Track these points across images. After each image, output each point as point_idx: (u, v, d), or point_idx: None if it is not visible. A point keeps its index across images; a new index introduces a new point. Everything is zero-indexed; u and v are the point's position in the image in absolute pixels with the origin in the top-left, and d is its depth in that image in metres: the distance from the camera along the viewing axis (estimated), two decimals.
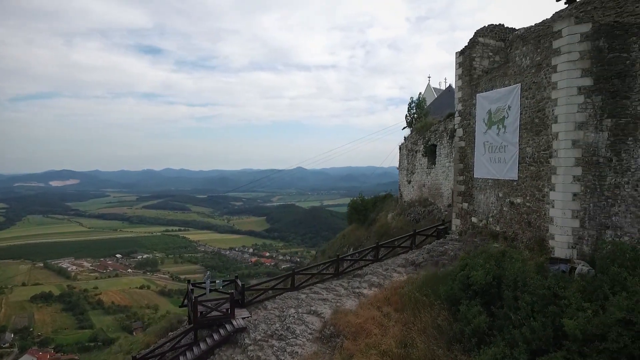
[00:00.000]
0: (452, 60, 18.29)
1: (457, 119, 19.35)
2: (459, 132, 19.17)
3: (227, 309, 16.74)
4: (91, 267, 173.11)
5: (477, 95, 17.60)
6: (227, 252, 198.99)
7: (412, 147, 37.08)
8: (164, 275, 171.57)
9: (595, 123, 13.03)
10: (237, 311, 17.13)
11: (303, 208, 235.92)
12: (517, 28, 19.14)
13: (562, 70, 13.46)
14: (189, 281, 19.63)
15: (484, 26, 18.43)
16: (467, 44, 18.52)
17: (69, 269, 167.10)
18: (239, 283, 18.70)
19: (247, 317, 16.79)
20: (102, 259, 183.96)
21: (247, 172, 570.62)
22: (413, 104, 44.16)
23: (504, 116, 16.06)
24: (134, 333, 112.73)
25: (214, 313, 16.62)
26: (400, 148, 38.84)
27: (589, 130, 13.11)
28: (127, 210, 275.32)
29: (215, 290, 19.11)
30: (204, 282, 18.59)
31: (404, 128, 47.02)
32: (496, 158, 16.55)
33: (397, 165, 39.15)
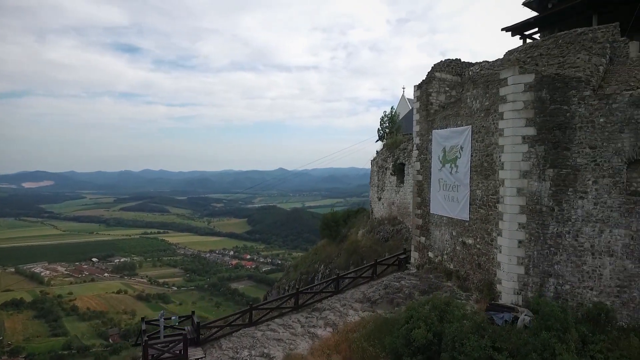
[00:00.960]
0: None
1: (415, 152, 19.48)
2: (417, 165, 19.29)
3: (180, 350, 16.40)
4: (66, 272, 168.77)
5: (433, 131, 17.73)
6: (207, 255, 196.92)
7: (382, 164, 37.25)
8: (142, 280, 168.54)
9: (538, 172, 13.25)
10: (191, 351, 16.81)
11: (285, 209, 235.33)
12: (473, 63, 19.35)
13: (508, 118, 13.65)
14: (143, 319, 19.19)
15: (441, 61, 18.55)
16: (424, 79, 18.63)
17: (42, 274, 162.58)
18: (195, 320, 18.36)
19: (201, 358, 16.50)
20: (77, 263, 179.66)
21: (229, 173, 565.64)
22: (386, 118, 44.45)
23: (456, 156, 16.21)
24: (110, 340, 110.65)
25: (166, 355, 16.27)
26: (372, 164, 38.98)
27: (532, 179, 13.32)
28: (104, 213, 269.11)
29: (172, 327, 18.71)
30: (159, 320, 18.17)
31: (376, 141, 47.29)
32: (450, 196, 16.70)
33: (369, 181, 39.32)
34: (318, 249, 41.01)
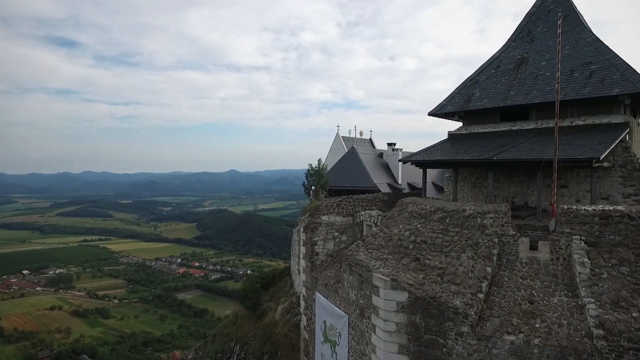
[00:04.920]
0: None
1: (302, 303, 16.82)
2: (304, 319, 16.66)
3: None
4: None
5: (316, 293, 15.10)
6: (153, 264, 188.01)
7: None
8: (79, 293, 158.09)
9: None
10: None
11: (235, 213, 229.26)
12: (368, 199, 16.88)
13: (380, 337, 11.19)
14: None
15: (331, 200, 15.93)
16: (309, 223, 15.90)
17: None
18: None
19: None
20: (4, 277, 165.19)
21: (177, 175, 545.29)
22: (312, 171, 41.49)
23: (336, 341, 13.69)
24: None
25: None
26: (293, 231, 36.24)
27: None
28: (38, 219, 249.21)
29: None
30: None
31: (305, 191, 44.40)
32: None
33: (291, 249, 36.62)
34: (239, 318, 37.93)
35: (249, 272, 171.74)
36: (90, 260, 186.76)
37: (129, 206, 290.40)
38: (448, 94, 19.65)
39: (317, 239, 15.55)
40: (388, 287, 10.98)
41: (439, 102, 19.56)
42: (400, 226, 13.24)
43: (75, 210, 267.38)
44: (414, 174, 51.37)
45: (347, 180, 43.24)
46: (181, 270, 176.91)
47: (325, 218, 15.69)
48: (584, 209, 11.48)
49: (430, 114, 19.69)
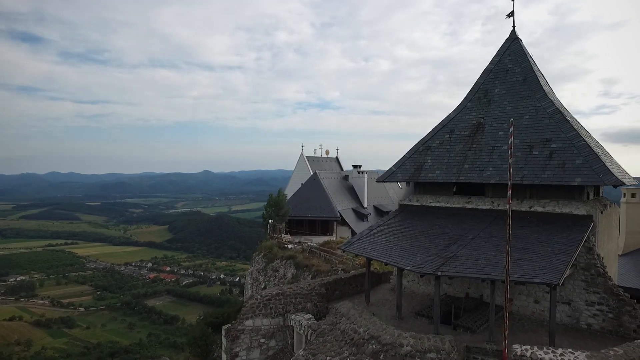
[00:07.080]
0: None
1: None
2: None
3: None
4: None
5: None
6: (122, 269, 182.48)
7: (257, 277, 32.26)
8: (42, 301, 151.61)
9: None
10: None
11: (209, 215, 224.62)
12: (307, 290, 14.56)
13: None
14: None
15: (257, 300, 13.55)
16: (229, 329, 13.49)
17: None
18: None
19: None
20: None
21: (149, 176, 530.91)
22: (272, 202, 39.08)
23: None
24: None
25: None
26: (247, 273, 33.78)
27: None
28: None
29: None
30: None
31: (263, 221, 41.96)
32: None
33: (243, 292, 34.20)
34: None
35: (222, 276, 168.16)
36: (54, 266, 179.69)
37: (97, 208, 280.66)
38: (398, 160, 17.53)
39: (238, 349, 13.21)
40: None
41: (389, 168, 17.44)
42: (328, 358, 11.01)
43: (40, 212, 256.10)
44: (380, 197, 49.65)
45: (309, 209, 41.11)
46: (152, 275, 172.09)
47: (249, 323, 13.35)
48: (540, 358, 9.51)
49: (379, 180, 17.60)
